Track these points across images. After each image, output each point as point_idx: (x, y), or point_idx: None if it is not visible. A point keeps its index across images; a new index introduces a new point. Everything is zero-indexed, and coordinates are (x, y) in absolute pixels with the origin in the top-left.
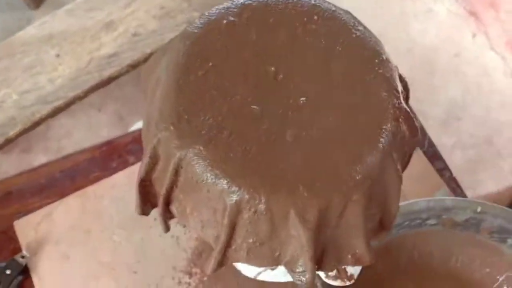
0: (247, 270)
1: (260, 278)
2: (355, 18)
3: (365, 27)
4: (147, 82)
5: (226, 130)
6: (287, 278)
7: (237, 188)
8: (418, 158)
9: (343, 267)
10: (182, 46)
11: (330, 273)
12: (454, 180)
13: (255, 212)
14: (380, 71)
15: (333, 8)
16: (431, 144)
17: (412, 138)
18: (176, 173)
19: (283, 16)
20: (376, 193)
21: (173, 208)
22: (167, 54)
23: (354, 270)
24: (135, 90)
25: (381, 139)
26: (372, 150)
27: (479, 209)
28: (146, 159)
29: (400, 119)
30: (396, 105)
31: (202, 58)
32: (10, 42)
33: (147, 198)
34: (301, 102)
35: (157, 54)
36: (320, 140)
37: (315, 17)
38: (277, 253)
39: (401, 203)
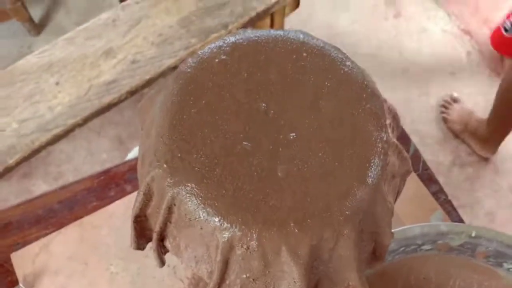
0: None
1: None
2: (343, 53)
3: (352, 62)
4: (143, 120)
5: (218, 167)
6: None
7: (229, 225)
8: (413, 181)
9: None
10: (176, 85)
11: None
12: (449, 203)
13: (248, 248)
14: (368, 105)
15: (321, 45)
16: (426, 167)
17: (403, 168)
18: (170, 210)
19: (273, 54)
20: (367, 226)
21: (167, 243)
22: (161, 94)
23: None
24: (134, 114)
25: (370, 174)
26: (361, 185)
27: (473, 234)
28: (140, 196)
29: (389, 152)
30: (384, 139)
31: (195, 97)
32: (11, 70)
33: (142, 233)
34: (291, 137)
35: (152, 93)
36: (310, 175)
37: (304, 54)
38: (271, 287)
39: (395, 229)
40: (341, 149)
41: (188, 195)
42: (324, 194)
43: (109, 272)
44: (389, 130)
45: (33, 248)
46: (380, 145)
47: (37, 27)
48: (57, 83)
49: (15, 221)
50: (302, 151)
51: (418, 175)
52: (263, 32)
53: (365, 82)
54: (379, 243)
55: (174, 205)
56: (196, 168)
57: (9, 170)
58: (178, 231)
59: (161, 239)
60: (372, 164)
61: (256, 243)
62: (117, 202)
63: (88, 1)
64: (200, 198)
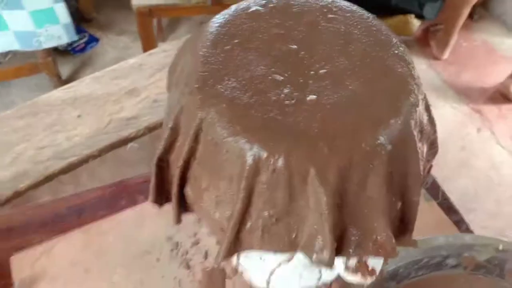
0: (258, 274)
1: (272, 285)
2: (369, 13)
3: (380, 21)
4: (171, 77)
5: (248, 92)
6: (302, 282)
7: (256, 145)
8: (434, 210)
9: (363, 259)
10: (209, 28)
11: (349, 264)
12: (471, 232)
13: (274, 171)
14: (396, 51)
15: (350, 5)
16: (445, 197)
17: (431, 130)
18: (196, 138)
19: (305, 8)
20: (396, 171)
21: (188, 188)
22: (193, 40)
23: (375, 264)
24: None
25: (401, 108)
26: (392, 116)
27: (501, 247)
28: (166, 131)
29: (419, 97)
30: (414, 77)
31: (228, 36)
32: (35, 102)
33: (161, 186)
34: (322, 72)
35: (181, 48)
36: (340, 104)
37: (334, 9)
38: (293, 234)
39: (419, 238)
40: (372, 83)
41: (217, 115)
42: (355, 120)
43: (110, 281)
44: (419, 79)
45: (34, 251)
46: (411, 82)
47: (64, 84)
48: (78, 116)
49: (19, 225)
50: (333, 84)
51: (439, 204)
52: None
53: (391, 34)
54: (407, 204)
55: (201, 131)
56: (227, 92)
57: (19, 194)
58: (202, 167)
59: (182, 184)
60: (403, 99)
61: (283, 163)
62: (128, 210)
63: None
64: (229, 117)
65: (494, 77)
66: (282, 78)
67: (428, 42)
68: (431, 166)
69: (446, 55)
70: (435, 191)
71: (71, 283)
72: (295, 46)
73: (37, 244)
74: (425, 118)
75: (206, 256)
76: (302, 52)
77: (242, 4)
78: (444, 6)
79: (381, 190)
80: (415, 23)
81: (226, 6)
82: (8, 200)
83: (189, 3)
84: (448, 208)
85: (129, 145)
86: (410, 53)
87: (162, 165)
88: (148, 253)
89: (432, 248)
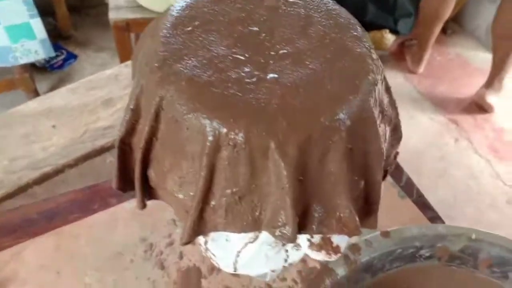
0: (226, 257)
1: (239, 268)
2: None
3: (340, 6)
4: (134, 64)
5: (208, 71)
6: (269, 263)
7: (216, 121)
8: (409, 207)
9: (328, 236)
10: (170, 11)
11: (314, 241)
12: None
13: (234, 146)
14: (355, 33)
15: None
16: (420, 194)
17: (392, 112)
18: (157, 117)
19: None
20: (357, 148)
21: (151, 171)
22: (154, 26)
23: (339, 241)
24: None
25: (360, 85)
26: (350, 94)
27: (473, 236)
28: (127, 113)
29: (377, 76)
30: (372, 57)
31: (189, 18)
32: (9, 113)
33: (125, 171)
34: (282, 53)
35: (142, 34)
36: (300, 82)
37: None
38: (257, 212)
39: (392, 228)
40: (331, 63)
41: (177, 92)
42: (314, 97)
43: (83, 283)
44: (377, 61)
45: (3, 255)
46: (370, 62)
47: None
48: (53, 126)
49: None
50: (293, 63)
51: (413, 202)
52: None
53: (350, 18)
54: (370, 184)
55: (162, 109)
56: (186, 70)
57: None
58: (164, 147)
59: (145, 168)
60: (362, 77)
61: (243, 138)
62: (100, 213)
63: None
64: (189, 94)
65: (469, 89)
66: (243, 58)
67: (404, 56)
68: (397, 153)
69: (421, 69)
70: (410, 189)
71: (42, 286)
72: (256, 28)
73: (6, 247)
74: (385, 99)
75: (181, 256)
76: (263, 34)
77: None
78: (417, 22)
79: (341, 165)
80: (390, 38)
81: None
82: None
83: None
84: (423, 204)
85: (108, 160)
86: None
87: (125, 149)
88: (121, 254)
89: (405, 239)
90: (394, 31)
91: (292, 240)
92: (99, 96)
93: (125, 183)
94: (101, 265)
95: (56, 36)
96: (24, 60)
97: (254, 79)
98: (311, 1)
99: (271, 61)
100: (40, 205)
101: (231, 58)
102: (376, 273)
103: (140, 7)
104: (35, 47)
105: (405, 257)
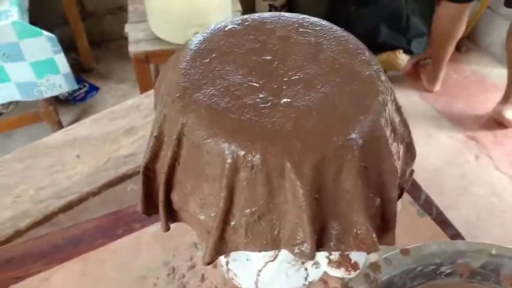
0: (247, 277)
1: (260, 286)
2: (338, 27)
3: (348, 33)
4: (156, 95)
5: (226, 98)
6: (289, 282)
7: (234, 144)
8: (429, 225)
9: (346, 253)
10: (189, 45)
11: (332, 258)
12: None
13: (252, 168)
14: (363, 57)
15: (320, 20)
16: (439, 211)
17: (404, 131)
18: (179, 143)
19: (278, 24)
20: (371, 163)
21: (174, 194)
22: (174, 59)
23: (358, 258)
24: None
25: (370, 106)
26: (363, 113)
27: (494, 252)
28: (151, 140)
29: (387, 97)
30: (381, 79)
31: (207, 51)
32: (35, 145)
33: (150, 195)
34: (294, 79)
35: (164, 68)
36: (312, 105)
37: (305, 24)
38: (275, 231)
39: (411, 246)
40: (342, 86)
41: (197, 119)
42: (326, 119)
43: None
44: (388, 84)
45: (32, 281)
46: (379, 84)
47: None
48: (77, 156)
49: (18, 256)
50: (305, 88)
51: (433, 219)
52: (267, 13)
53: (359, 44)
54: (385, 201)
55: (184, 135)
56: (205, 99)
57: (20, 234)
58: (185, 171)
59: (168, 191)
60: (372, 98)
61: (260, 159)
62: (124, 238)
63: None
64: (208, 121)
65: (486, 105)
66: (257, 85)
67: (419, 75)
68: (412, 171)
69: (437, 87)
70: (429, 207)
71: None
72: (269, 57)
73: (35, 274)
74: (396, 119)
75: (203, 279)
76: (276, 62)
77: (219, 24)
78: (430, 41)
79: (356, 183)
80: (404, 58)
81: None
82: (9, 239)
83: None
84: (443, 222)
85: (129, 187)
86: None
87: (149, 175)
88: (145, 278)
89: (425, 256)
90: (408, 51)
91: (311, 257)
92: (121, 125)
93: (149, 207)
94: None
95: (79, 70)
96: (48, 94)
97: (269, 104)
98: (320, 30)
99: (284, 87)
100: (66, 231)
101: (246, 85)
102: None
103: (158, 40)
104: (59, 81)
105: (426, 274)
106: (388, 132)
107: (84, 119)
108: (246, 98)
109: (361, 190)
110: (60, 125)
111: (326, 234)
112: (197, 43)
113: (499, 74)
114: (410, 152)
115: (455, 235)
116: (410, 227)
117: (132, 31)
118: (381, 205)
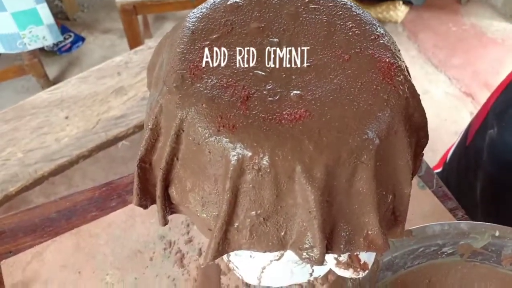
0: (249, 272)
1: (263, 281)
2: (353, 3)
3: (364, 10)
4: (150, 75)
5: (229, 90)
6: (294, 278)
7: (239, 144)
8: (429, 198)
9: (355, 253)
10: (186, 23)
11: (341, 259)
12: (467, 219)
13: (259, 170)
14: (381, 41)
15: None
16: (440, 184)
17: (420, 116)
18: (177, 138)
19: None
20: (385, 161)
21: (172, 189)
22: (170, 36)
23: (367, 258)
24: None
25: (390, 99)
26: (381, 108)
27: (497, 233)
28: (147, 132)
29: (406, 85)
30: (401, 67)
31: (206, 32)
32: (21, 105)
33: (145, 188)
34: (305, 67)
35: (158, 45)
36: (326, 99)
37: None
38: (282, 232)
39: (414, 227)
40: (357, 77)
41: (197, 115)
42: (340, 115)
43: (104, 282)
44: (404, 66)
45: (25, 256)
46: (397, 73)
47: (51, 85)
48: (66, 117)
49: (9, 229)
50: (316, 78)
51: (433, 192)
52: None
53: (375, 23)
54: (398, 197)
55: (182, 131)
56: (206, 91)
57: (9, 198)
58: (185, 168)
59: (166, 185)
60: (390, 91)
61: (268, 162)
62: (118, 211)
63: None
64: (210, 117)
65: (484, 60)
66: (264, 73)
67: (417, 28)
68: (422, 155)
69: None
70: (430, 179)
71: (64, 286)
72: (276, 40)
73: (27, 248)
74: (413, 109)
75: (200, 253)
76: (284, 45)
77: None
78: None
79: (370, 185)
80: (403, 9)
81: None
82: None
83: None
84: (444, 195)
85: (120, 143)
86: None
87: (145, 166)
88: (141, 253)
89: (427, 237)
90: (407, 2)
91: (320, 262)
92: (110, 85)
93: (145, 200)
94: (121, 264)
95: (63, 18)
96: (32, 46)
97: (277, 97)
98: (333, 6)
99: (293, 76)
100: (58, 204)
101: (251, 74)
102: (398, 270)
103: None
104: (43, 32)
105: (427, 254)
106: (405, 126)
107: (70, 71)
108: (252, 89)
109: (374, 190)
110: (46, 78)
111: (336, 237)
112: (196, 21)
113: (497, 27)
114: (423, 139)
115: (454, 207)
116: (411, 200)
117: None
118: (393, 200)
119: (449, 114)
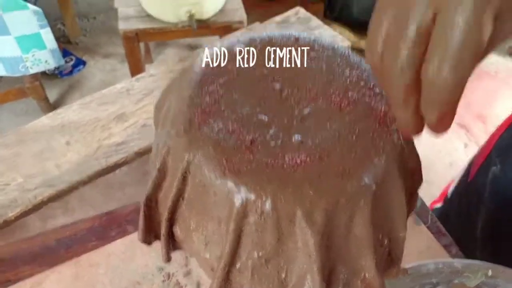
0: None
1: None
2: (348, 49)
3: (361, 58)
4: (158, 114)
5: (234, 134)
6: None
7: (244, 187)
8: (423, 234)
9: None
10: (195, 68)
11: None
12: (461, 256)
13: (262, 213)
14: (378, 90)
15: (332, 42)
16: (434, 220)
17: (414, 159)
18: (184, 180)
19: (287, 47)
20: (381, 206)
21: (177, 228)
22: (179, 79)
23: None
24: (136, 191)
25: (385, 146)
26: (377, 154)
27: (490, 273)
28: (154, 172)
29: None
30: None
31: (213, 76)
32: (22, 129)
33: (150, 225)
34: (306, 113)
35: (167, 87)
36: (325, 144)
37: (317, 47)
38: (283, 274)
39: (409, 265)
40: (355, 123)
41: (204, 158)
42: (339, 160)
43: None
44: None
45: (24, 285)
46: (393, 121)
47: (51, 108)
48: (67, 143)
49: (8, 258)
50: (317, 124)
51: (428, 228)
52: (276, 32)
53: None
54: (394, 240)
55: (189, 173)
56: (213, 135)
57: (8, 223)
58: (190, 208)
59: (171, 224)
60: (385, 138)
61: (271, 206)
62: (118, 241)
63: (103, 85)
64: (216, 160)
65: (477, 93)
66: (267, 119)
67: None
68: (417, 195)
69: None
70: (424, 214)
71: None
72: (278, 86)
73: (27, 277)
74: (407, 155)
75: (198, 286)
76: (286, 91)
77: (225, 42)
78: None
79: (368, 230)
80: None
81: (212, 29)
82: None
83: (176, 27)
84: (438, 231)
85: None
86: None
87: (151, 205)
88: (139, 284)
89: (422, 276)
90: None
91: None
92: (111, 111)
93: (150, 236)
94: None
95: (65, 42)
96: (34, 70)
97: (279, 142)
98: (333, 56)
99: (294, 122)
100: (58, 232)
101: (255, 119)
102: None
103: (149, 17)
104: (45, 56)
105: None
106: (399, 171)
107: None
108: (256, 134)
109: (371, 235)
110: (46, 101)
111: (334, 280)
112: (204, 66)
113: (491, 60)
114: (417, 180)
115: (448, 244)
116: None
117: (121, 6)
118: (389, 244)
119: (443, 145)
